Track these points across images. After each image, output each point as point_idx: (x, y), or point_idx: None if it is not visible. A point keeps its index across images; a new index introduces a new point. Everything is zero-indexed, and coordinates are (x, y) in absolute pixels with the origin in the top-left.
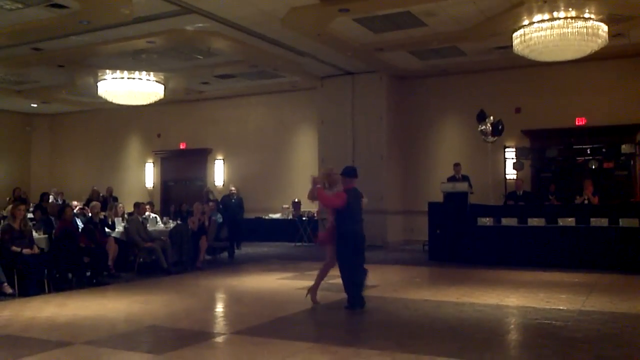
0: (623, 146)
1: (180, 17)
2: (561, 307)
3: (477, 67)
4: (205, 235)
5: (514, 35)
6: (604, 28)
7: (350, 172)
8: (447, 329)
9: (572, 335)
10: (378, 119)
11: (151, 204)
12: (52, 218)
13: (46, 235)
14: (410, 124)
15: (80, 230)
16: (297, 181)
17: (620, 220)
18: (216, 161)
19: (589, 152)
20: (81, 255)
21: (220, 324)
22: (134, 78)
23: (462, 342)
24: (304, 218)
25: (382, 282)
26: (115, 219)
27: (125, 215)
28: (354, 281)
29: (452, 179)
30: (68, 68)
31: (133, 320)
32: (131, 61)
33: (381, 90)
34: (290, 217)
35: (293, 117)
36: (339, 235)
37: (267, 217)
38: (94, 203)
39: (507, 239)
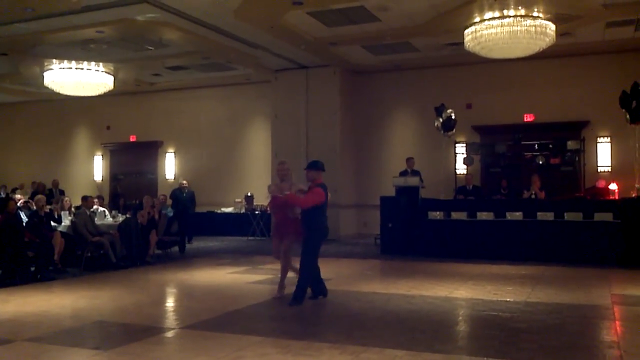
0: (569, 142)
1: (131, 7)
2: (508, 299)
3: (429, 62)
4: (155, 229)
5: (466, 32)
6: (551, 27)
7: (321, 166)
8: (397, 320)
9: (517, 326)
10: (332, 113)
11: (100, 197)
12: None
13: None
14: (364, 119)
15: (24, 224)
16: (250, 175)
17: (565, 214)
18: (167, 154)
19: (536, 147)
20: (25, 250)
21: (170, 319)
22: (82, 68)
23: (412, 333)
24: (256, 212)
25: (334, 275)
26: (62, 213)
27: (73, 209)
28: (313, 275)
29: (404, 173)
30: (12, 57)
31: (79, 315)
32: (79, 51)
33: (335, 85)
34: (243, 211)
35: (246, 111)
36: (315, 231)
37: (219, 211)
38: (39, 196)
39: (456, 233)
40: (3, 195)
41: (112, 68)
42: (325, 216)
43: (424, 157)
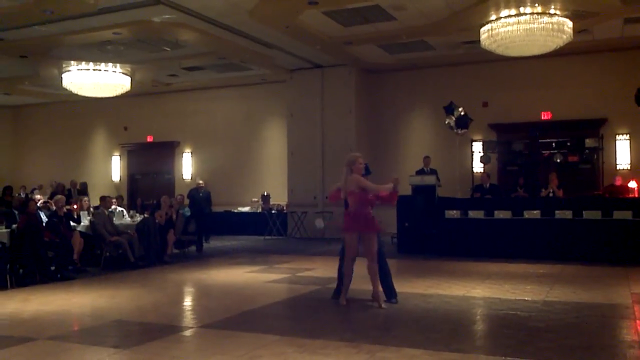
0: (587, 140)
1: (147, 8)
2: (526, 298)
3: (445, 61)
4: (172, 229)
5: (482, 30)
6: (569, 24)
7: (367, 171)
8: (413, 320)
9: (536, 325)
10: (347, 112)
11: (120, 197)
12: (16, 212)
13: (8, 230)
14: (379, 117)
15: (44, 224)
16: (266, 174)
17: (583, 212)
18: (184, 154)
19: (554, 145)
20: (45, 250)
21: (187, 318)
22: (99, 70)
23: (429, 332)
24: (273, 211)
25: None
26: (81, 213)
27: (91, 209)
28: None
29: (420, 172)
30: (31, 59)
31: (99, 314)
32: (97, 52)
33: (350, 84)
34: (260, 210)
35: (262, 110)
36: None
37: (236, 211)
38: (58, 196)
39: (474, 232)
40: (22, 196)
41: (129, 69)
42: None
43: (440, 155)
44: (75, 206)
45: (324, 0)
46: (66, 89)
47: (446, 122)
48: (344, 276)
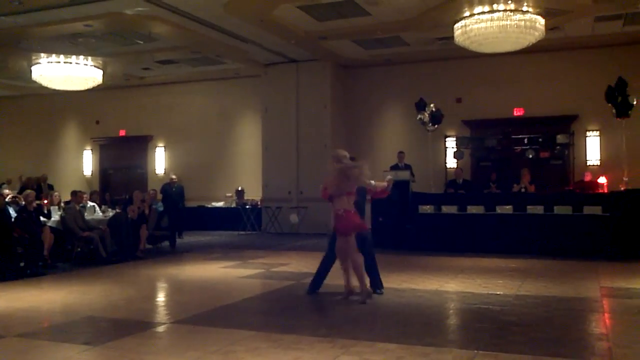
0: (558, 136)
1: (120, 0)
2: (498, 292)
3: (419, 57)
4: (145, 224)
5: (455, 26)
6: (541, 21)
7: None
8: (387, 314)
9: (508, 318)
10: (322, 107)
11: (95, 193)
12: None
13: None
14: (354, 113)
15: (13, 219)
16: (240, 169)
17: (555, 208)
18: (157, 149)
19: (526, 141)
20: (14, 246)
21: (160, 314)
22: (70, 62)
23: (403, 327)
24: (247, 206)
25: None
26: (51, 208)
27: (62, 204)
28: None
29: (394, 167)
30: None
31: (70, 311)
32: (68, 45)
33: (325, 79)
34: (234, 205)
35: (236, 105)
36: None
37: (209, 206)
38: (27, 191)
39: (447, 227)
40: None
41: (101, 62)
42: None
43: (414, 151)
44: (45, 201)
45: None
46: (36, 82)
47: (418, 117)
48: (348, 269)
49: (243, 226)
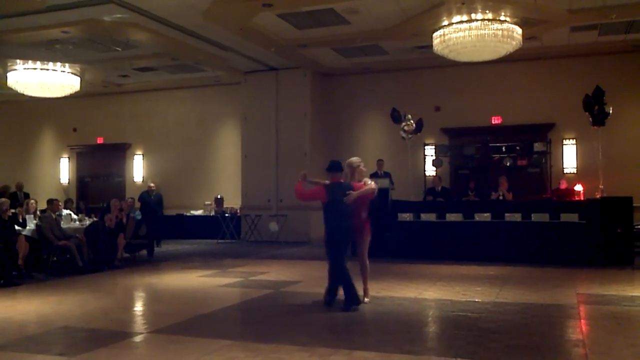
0: (536, 144)
1: (97, 7)
2: (476, 299)
3: (399, 65)
4: (123, 233)
5: (434, 35)
6: (518, 31)
7: (330, 167)
8: (366, 322)
9: (486, 326)
10: (302, 115)
11: (70, 200)
12: None
13: None
14: (334, 121)
15: None
16: (219, 178)
17: (532, 215)
18: (135, 156)
19: (504, 150)
20: None
21: (137, 323)
22: (47, 69)
23: (381, 335)
24: (226, 215)
25: (304, 277)
26: (27, 216)
27: (38, 212)
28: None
29: (374, 175)
30: None
31: (44, 321)
32: (44, 51)
33: (305, 87)
34: (213, 213)
35: (216, 113)
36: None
37: (188, 214)
38: (2, 199)
39: (426, 234)
40: None
41: (78, 69)
42: (332, 216)
43: (394, 159)
44: (19, 209)
45: (278, 3)
46: (11, 89)
47: (404, 127)
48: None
49: (222, 234)
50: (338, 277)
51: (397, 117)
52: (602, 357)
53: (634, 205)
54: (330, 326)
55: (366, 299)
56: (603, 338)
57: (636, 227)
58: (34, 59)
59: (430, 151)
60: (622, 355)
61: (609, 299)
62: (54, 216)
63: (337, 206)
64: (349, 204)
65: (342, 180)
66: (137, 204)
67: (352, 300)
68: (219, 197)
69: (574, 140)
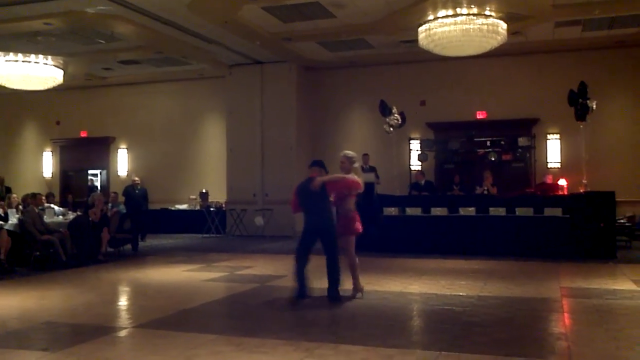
0: (520, 139)
1: None
2: (461, 293)
3: (384, 60)
4: (107, 227)
5: (420, 29)
6: (503, 25)
7: (314, 163)
8: (351, 316)
9: (470, 319)
10: (287, 109)
11: (51, 195)
12: None
13: None
14: (320, 115)
15: None
16: (204, 172)
17: (516, 209)
18: (119, 150)
19: (488, 144)
20: None
21: (122, 318)
22: (29, 61)
23: (366, 328)
24: (211, 209)
25: (289, 272)
26: (9, 210)
27: (20, 207)
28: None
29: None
30: None
31: (27, 317)
32: (26, 43)
33: (291, 81)
34: (198, 207)
35: (201, 106)
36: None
37: (173, 208)
38: None
39: (411, 228)
40: None
41: (61, 61)
42: (307, 211)
43: (379, 153)
44: (1, 203)
45: None
46: None
47: (390, 122)
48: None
49: (207, 229)
50: (332, 269)
51: (385, 110)
52: (585, 350)
53: (617, 199)
54: (315, 320)
55: (358, 295)
56: (586, 331)
57: (619, 221)
58: (16, 51)
59: (415, 145)
60: (604, 347)
61: (591, 292)
62: (36, 210)
63: (305, 201)
64: (315, 190)
65: (315, 175)
66: (121, 198)
67: (298, 291)
68: (204, 191)
69: (558, 135)
